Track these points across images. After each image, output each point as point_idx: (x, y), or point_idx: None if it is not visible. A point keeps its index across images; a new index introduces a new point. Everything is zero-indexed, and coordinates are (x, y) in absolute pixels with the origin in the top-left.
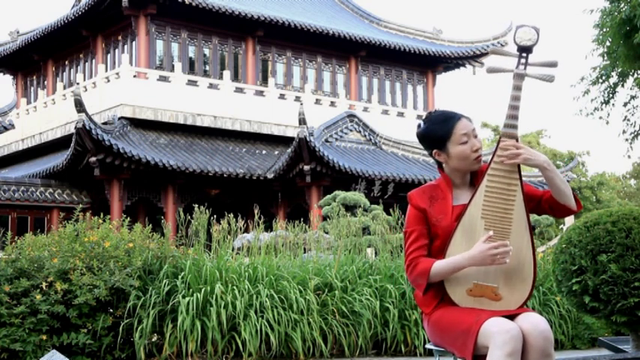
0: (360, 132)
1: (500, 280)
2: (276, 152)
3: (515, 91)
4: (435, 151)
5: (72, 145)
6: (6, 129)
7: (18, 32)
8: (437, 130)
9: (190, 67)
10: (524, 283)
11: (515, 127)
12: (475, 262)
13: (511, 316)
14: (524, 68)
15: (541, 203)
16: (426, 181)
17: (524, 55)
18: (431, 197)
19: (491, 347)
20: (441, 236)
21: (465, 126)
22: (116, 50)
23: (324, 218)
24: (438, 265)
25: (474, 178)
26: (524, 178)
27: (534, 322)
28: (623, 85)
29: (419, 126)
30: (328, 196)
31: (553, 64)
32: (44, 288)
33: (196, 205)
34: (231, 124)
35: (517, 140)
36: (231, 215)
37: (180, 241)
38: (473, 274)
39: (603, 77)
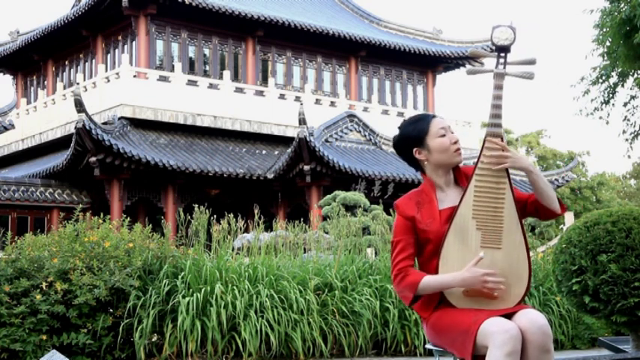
0: (360, 132)
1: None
2: (276, 152)
3: (497, 90)
4: (415, 149)
5: (72, 145)
6: (6, 129)
7: (18, 32)
8: (413, 130)
9: (190, 67)
10: (520, 281)
11: (500, 126)
12: (465, 284)
13: (509, 314)
14: (504, 67)
15: (527, 205)
16: None
17: (502, 54)
18: (417, 203)
19: (491, 347)
20: (433, 240)
21: (441, 121)
22: (116, 50)
23: (324, 218)
24: (427, 281)
25: (458, 178)
26: (511, 176)
27: (533, 319)
28: (623, 85)
29: (394, 138)
30: (328, 196)
31: (531, 62)
32: (44, 288)
33: (196, 205)
34: (231, 124)
35: (502, 139)
36: (231, 215)
37: (180, 241)
38: None
39: (603, 77)
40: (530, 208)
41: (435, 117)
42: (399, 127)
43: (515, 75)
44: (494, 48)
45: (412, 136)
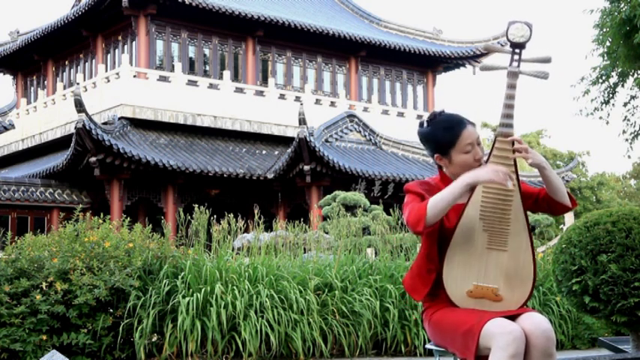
0: (360, 132)
1: (501, 280)
2: (276, 152)
3: (510, 89)
4: (436, 155)
5: (72, 145)
6: (6, 129)
7: (18, 32)
8: (442, 136)
9: (190, 67)
10: (524, 283)
11: (511, 126)
12: (476, 177)
13: (512, 316)
14: (518, 65)
15: (538, 201)
16: None
17: (517, 51)
18: (427, 190)
19: (494, 348)
20: (432, 231)
21: (471, 135)
22: (116, 50)
23: (324, 218)
24: (435, 196)
25: None
26: (522, 178)
27: (536, 322)
28: (623, 85)
29: (421, 125)
30: (328, 196)
31: (547, 60)
32: (44, 288)
33: (196, 205)
34: (231, 124)
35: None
36: (231, 215)
37: (180, 241)
38: (473, 276)
39: (603, 77)
40: (542, 203)
41: (467, 126)
42: (430, 122)
43: (529, 74)
44: (508, 44)
45: (439, 143)
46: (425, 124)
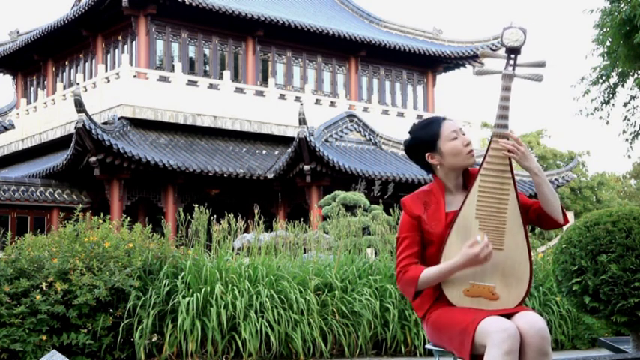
0: (360, 132)
1: (497, 279)
2: (276, 152)
3: (505, 91)
4: (427, 155)
5: (72, 145)
6: (6, 129)
7: (18, 32)
8: (425, 134)
9: (190, 67)
10: (520, 282)
11: (506, 127)
12: (464, 265)
13: (508, 315)
14: (513, 69)
15: (529, 213)
16: (426, 182)
17: (512, 56)
18: (424, 203)
19: (489, 346)
20: (435, 243)
21: (452, 124)
22: (116, 50)
23: (324, 218)
24: (427, 273)
25: (467, 181)
26: (516, 177)
27: (531, 321)
28: (623, 85)
29: (405, 142)
30: (328, 196)
31: (541, 64)
32: (44, 288)
33: (196, 205)
34: (231, 124)
35: (508, 139)
36: (231, 215)
37: (180, 241)
38: (469, 274)
39: (603, 77)
40: (532, 215)
41: (445, 120)
42: (410, 132)
43: (523, 77)
44: (504, 49)
45: (424, 141)
46: (407, 139)
